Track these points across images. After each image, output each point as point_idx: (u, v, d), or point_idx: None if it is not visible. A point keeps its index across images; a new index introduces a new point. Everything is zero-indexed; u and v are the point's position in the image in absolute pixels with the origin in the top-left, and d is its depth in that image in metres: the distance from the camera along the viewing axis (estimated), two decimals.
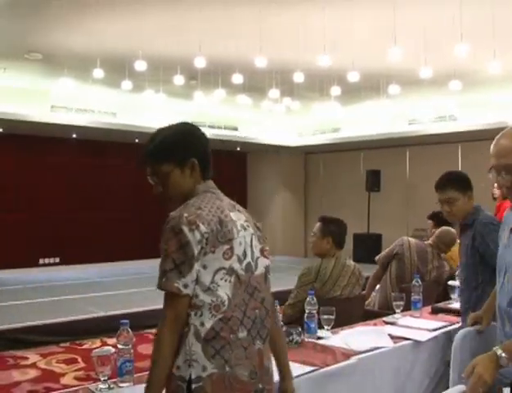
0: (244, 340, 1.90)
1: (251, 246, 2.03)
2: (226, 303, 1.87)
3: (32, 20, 7.44)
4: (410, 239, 5.28)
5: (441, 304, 4.40)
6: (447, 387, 2.64)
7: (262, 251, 2.11)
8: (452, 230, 5.43)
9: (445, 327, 3.69)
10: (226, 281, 1.89)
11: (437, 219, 5.71)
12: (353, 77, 8.36)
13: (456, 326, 3.63)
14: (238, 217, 2.05)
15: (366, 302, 4.94)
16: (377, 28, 7.52)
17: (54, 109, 10.97)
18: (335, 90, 9.39)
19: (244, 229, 2.03)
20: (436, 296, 4.95)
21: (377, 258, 5.34)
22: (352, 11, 7.06)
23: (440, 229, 5.44)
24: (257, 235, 2.10)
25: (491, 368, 2.08)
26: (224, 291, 1.87)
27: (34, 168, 12.49)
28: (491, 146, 2.39)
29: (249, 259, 2.00)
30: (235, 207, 2.11)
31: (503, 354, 2.10)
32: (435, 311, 4.15)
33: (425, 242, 5.36)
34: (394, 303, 3.93)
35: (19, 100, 10.43)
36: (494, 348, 2.15)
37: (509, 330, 2.28)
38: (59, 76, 9.84)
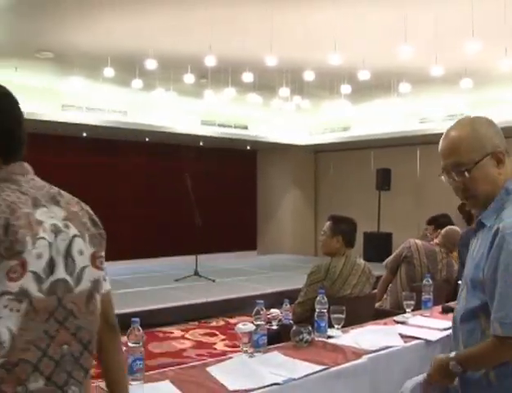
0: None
1: (69, 254, 1.48)
2: (7, 343, 1.33)
3: (43, 19, 7.47)
4: (417, 241, 5.26)
5: (451, 304, 4.36)
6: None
7: (93, 258, 1.56)
8: (458, 229, 5.43)
9: None
10: (11, 310, 1.34)
11: (437, 224, 5.71)
12: (364, 75, 8.34)
13: None
14: (51, 215, 1.51)
15: (377, 304, 4.92)
16: (388, 25, 7.49)
17: (65, 108, 11.01)
18: (345, 88, 9.37)
19: (58, 232, 1.48)
20: (446, 296, 4.92)
21: (385, 263, 5.31)
22: (363, 9, 7.03)
23: (446, 229, 5.42)
24: (88, 235, 1.57)
25: (443, 373, 2.07)
26: (5, 326, 1.33)
27: (44, 167, 12.51)
28: (440, 142, 2.06)
29: (60, 274, 1.44)
30: (53, 199, 1.62)
31: (457, 366, 1.99)
32: (446, 310, 4.12)
33: (431, 242, 5.33)
34: (405, 302, 3.91)
35: (30, 99, 10.45)
36: (449, 356, 2.06)
37: (459, 345, 2.15)
38: (70, 75, 9.87)
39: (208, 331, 7.60)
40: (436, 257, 5.14)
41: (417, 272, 4.97)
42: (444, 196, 12.63)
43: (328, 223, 4.29)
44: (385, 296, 5.21)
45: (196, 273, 10.75)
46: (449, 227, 5.44)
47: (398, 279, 5.08)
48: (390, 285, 5.21)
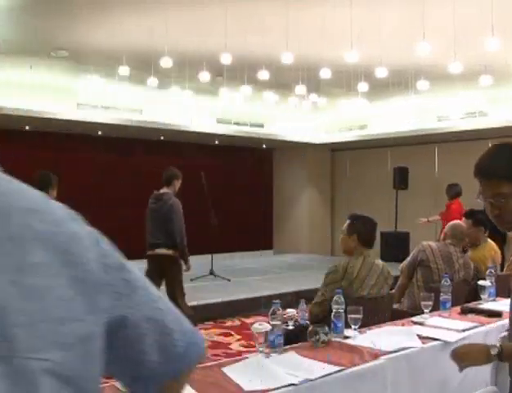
0: None
1: None
2: None
3: (58, 18, 7.48)
4: (430, 243, 5.20)
5: (471, 305, 4.30)
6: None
7: None
8: (460, 223, 5.36)
9: (475, 327, 3.60)
10: None
11: (475, 219, 5.65)
12: (381, 73, 8.26)
13: (488, 327, 3.54)
14: None
15: (395, 306, 4.86)
16: (405, 22, 7.42)
17: (80, 106, 11.04)
18: (362, 86, 9.29)
19: None
20: (465, 296, 4.85)
21: (400, 268, 5.23)
22: (380, 5, 6.97)
23: (450, 223, 5.38)
24: None
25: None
26: None
27: (60, 165, 12.58)
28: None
29: None
30: None
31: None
32: (465, 311, 4.05)
33: (445, 242, 5.25)
34: (423, 303, 3.85)
35: (45, 97, 10.50)
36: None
37: None
38: (85, 73, 9.91)
39: (223, 331, 7.57)
40: (451, 258, 5.06)
41: (434, 274, 4.89)
42: (464, 196, 12.54)
43: (347, 222, 4.28)
44: (402, 299, 5.15)
45: (212, 273, 10.74)
46: (451, 222, 5.42)
47: (415, 283, 5.01)
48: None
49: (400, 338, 3.20)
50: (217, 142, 14.30)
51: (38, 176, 5.88)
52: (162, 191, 7.24)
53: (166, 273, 6.49)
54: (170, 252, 6.60)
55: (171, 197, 7.06)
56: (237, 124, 13.25)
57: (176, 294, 6.21)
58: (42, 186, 5.56)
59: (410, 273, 5.07)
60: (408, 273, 5.09)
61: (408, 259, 5.18)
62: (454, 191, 9.38)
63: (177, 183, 6.98)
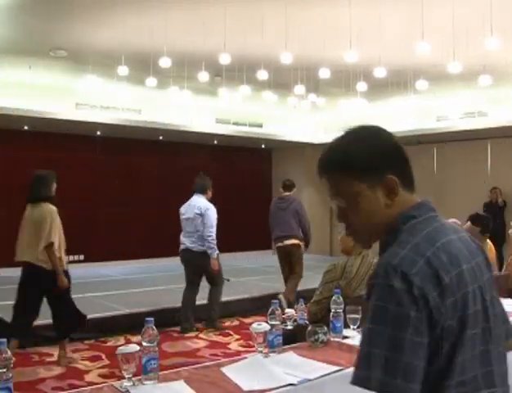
0: None
1: None
2: None
3: (57, 18, 7.48)
4: None
5: None
6: None
7: None
8: (456, 221, 5.28)
9: None
10: None
11: (482, 225, 5.58)
12: (380, 73, 8.25)
13: None
14: None
15: None
16: (404, 22, 7.41)
17: (79, 106, 11.04)
18: (361, 86, 9.27)
19: None
20: None
21: None
22: (379, 5, 6.96)
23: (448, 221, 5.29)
24: None
25: None
26: None
27: (59, 165, 12.56)
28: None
29: None
30: None
31: None
32: None
33: None
34: None
35: (44, 97, 10.50)
36: None
37: None
38: (84, 73, 9.90)
39: (222, 330, 7.56)
40: None
41: None
42: (463, 196, 12.49)
43: None
44: None
45: None
46: (448, 220, 5.33)
47: None
48: None
49: None
50: (216, 142, 14.29)
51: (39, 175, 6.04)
52: (285, 194, 8.77)
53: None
54: (297, 241, 8.52)
55: (296, 198, 8.94)
56: (236, 124, 13.25)
57: (301, 273, 8.48)
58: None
59: None
60: None
61: None
62: None
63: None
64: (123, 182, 13.27)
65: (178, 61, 8.65)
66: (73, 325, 6.18)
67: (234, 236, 14.00)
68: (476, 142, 12.79)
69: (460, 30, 7.25)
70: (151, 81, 9.30)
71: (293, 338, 3.33)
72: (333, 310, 3.21)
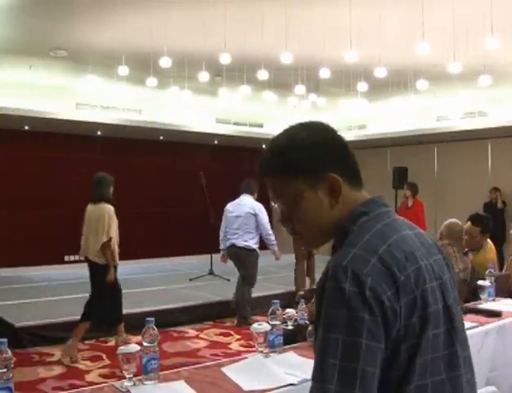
0: None
1: None
2: None
3: (56, 18, 7.47)
4: None
5: (470, 305, 4.29)
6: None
7: None
8: (457, 221, 5.25)
9: (475, 327, 3.59)
10: None
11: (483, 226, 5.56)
12: (380, 73, 8.24)
13: (487, 327, 3.53)
14: None
15: None
16: (404, 22, 7.41)
17: (79, 106, 11.04)
18: (362, 86, 9.27)
19: None
20: (465, 297, 4.83)
21: None
22: (379, 5, 6.96)
23: (446, 222, 5.25)
24: None
25: None
26: None
27: (59, 165, 12.57)
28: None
29: None
30: None
31: None
32: (464, 311, 4.04)
33: (442, 242, 5.15)
34: None
35: (44, 97, 10.50)
36: None
37: None
38: (84, 73, 9.90)
39: (222, 330, 7.56)
40: (450, 259, 5.00)
41: None
42: (463, 196, 12.47)
43: None
44: None
45: (211, 273, 10.73)
46: (448, 220, 5.29)
47: None
48: None
49: None
50: (216, 142, 14.28)
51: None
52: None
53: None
54: None
55: None
56: (236, 124, 13.25)
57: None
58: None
59: None
60: None
61: None
62: None
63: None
64: (124, 182, 13.26)
65: (178, 61, 8.65)
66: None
67: None
68: (476, 142, 12.79)
69: (461, 30, 7.24)
70: (151, 81, 9.29)
71: (293, 338, 3.33)
72: None
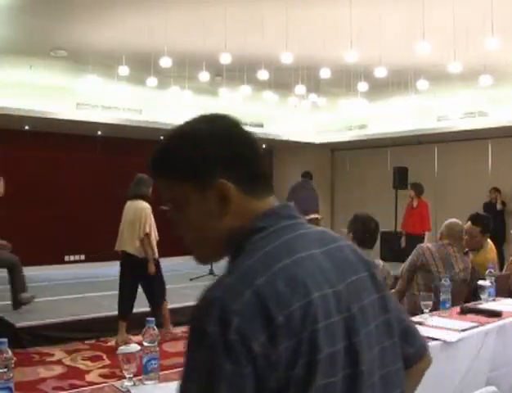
0: None
1: None
2: None
3: (57, 18, 7.47)
4: (428, 245, 5.09)
5: (470, 305, 4.29)
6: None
7: None
8: (457, 221, 5.23)
9: (475, 327, 3.59)
10: None
11: (483, 225, 5.56)
12: (381, 72, 8.24)
13: (488, 327, 3.54)
14: None
15: None
16: (405, 22, 7.40)
17: (79, 106, 11.03)
18: (362, 86, 9.26)
19: None
20: (465, 297, 4.83)
21: (400, 272, 5.10)
22: (379, 5, 6.95)
23: (447, 222, 5.23)
24: None
25: None
26: None
27: (60, 165, 12.57)
28: None
29: None
30: None
31: None
32: (464, 311, 4.05)
33: (442, 242, 5.13)
34: (422, 303, 3.84)
35: (44, 97, 10.50)
36: None
37: None
38: (84, 73, 9.90)
39: None
40: (451, 260, 4.98)
41: (435, 278, 4.78)
42: (463, 196, 12.47)
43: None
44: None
45: (211, 273, 10.72)
46: (449, 220, 5.28)
47: (415, 286, 4.93)
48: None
49: None
50: None
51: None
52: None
53: None
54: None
55: None
56: None
57: None
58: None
59: (410, 277, 4.97)
60: (408, 278, 4.97)
61: (407, 263, 5.04)
62: None
63: None
64: (124, 183, 13.24)
65: (179, 61, 8.65)
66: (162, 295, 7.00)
67: None
68: (476, 142, 12.78)
69: (461, 30, 7.24)
70: (152, 81, 9.29)
71: None
72: None
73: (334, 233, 1.31)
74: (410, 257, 5.04)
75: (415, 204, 10.78)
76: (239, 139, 1.26)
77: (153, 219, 6.93)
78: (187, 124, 1.28)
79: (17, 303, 7.50)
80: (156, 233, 6.97)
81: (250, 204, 1.21)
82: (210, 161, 1.20)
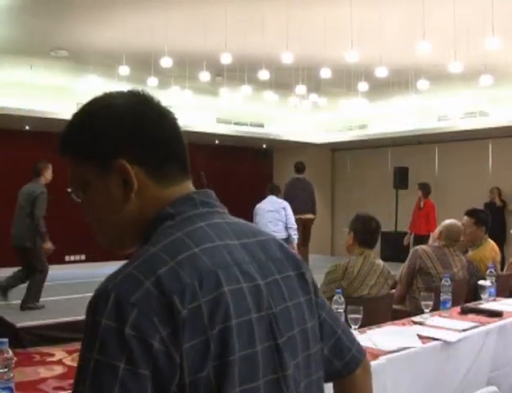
0: None
1: None
2: None
3: (57, 18, 7.48)
4: (424, 247, 5.05)
5: (471, 305, 4.29)
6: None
7: None
8: (456, 222, 5.21)
9: (475, 327, 3.59)
10: None
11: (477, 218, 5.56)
12: (381, 72, 8.25)
13: (488, 327, 3.53)
14: None
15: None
16: (405, 22, 7.41)
17: (80, 106, 11.02)
18: (363, 86, 9.27)
19: None
20: (465, 296, 4.82)
21: (397, 278, 5.04)
22: (380, 5, 6.96)
23: (445, 223, 5.20)
24: None
25: None
26: None
27: (60, 165, 12.54)
28: None
29: None
30: None
31: None
32: (465, 311, 4.04)
33: (439, 243, 5.10)
34: (423, 303, 3.83)
35: (45, 97, 10.49)
36: None
37: None
38: (84, 73, 9.90)
39: None
40: (448, 260, 4.96)
41: (436, 280, 4.75)
42: (464, 196, 12.47)
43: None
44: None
45: None
46: (448, 220, 5.26)
47: (416, 290, 4.89)
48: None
49: (400, 338, 3.18)
50: (217, 142, 14.28)
51: None
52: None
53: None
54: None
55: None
56: (237, 123, 13.24)
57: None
58: None
59: (409, 281, 4.93)
60: (407, 282, 4.91)
61: (405, 267, 4.97)
62: None
63: None
64: None
65: (179, 61, 8.65)
66: None
67: None
68: (477, 142, 12.78)
69: (461, 30, 7.24)
70: (152, 81, 9.30)
71: None
72: (334, 310, 3.20)
73: (260, 228, 1.20)
74: (407, 261, 4.99)
75: (422, 204, 10.78)
76: (149, 119, 1.15)
77: None
78: (97, 99, 1.17)
79: (26, 307, 7.64)
80: None
81: (161, 189, 1.09)
82: (113, 141, 1.09)
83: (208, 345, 0.91)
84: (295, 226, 9.12)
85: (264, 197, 9.17)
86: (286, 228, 9.01)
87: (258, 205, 9.25)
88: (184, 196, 1.10)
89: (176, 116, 1.23)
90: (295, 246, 9.10)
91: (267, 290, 1.03)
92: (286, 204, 9.13)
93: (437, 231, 5.24)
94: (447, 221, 5.25)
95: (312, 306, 1.14)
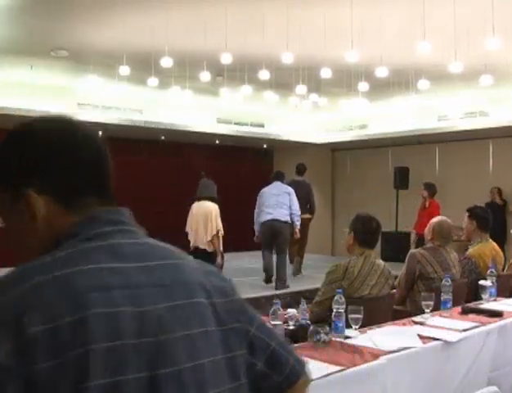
0: None
1: None
2: None
3: (57, 18, 7.48)
4: (420, 251, 4.98)
5: (472, 305, 4.29)
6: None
7: None
8: (446, 219, 5.19)
9: (476, 327, 3.59)
10: None
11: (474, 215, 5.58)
12: (381, 72, 8.24)
13: (489, 327, 3.53)
14: None
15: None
16: (405, 21, 7.41)
17: (80, 106, 11.03)
18: (363, 86, 9.27)
19: None
20: (466, 296, 4.81)
21: (397, 283, 4.99)
22: (380, 5, 6.96)
23: (436, 220, 5.17)
24: None
25: None
26: None
27: None
28: None
29: None
30: None
31: None
32: (466, 311, 4.04)
33: (433, 244, 5.05)
34: (423, 303, 3.84)
35: (45, 97, 10.49)
36: None
37: None
38: (85, 73, 9.90)
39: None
40: (446, 260, 4.94)
41: (436, 281, 4.71)
42: (464, 196, 12.48)
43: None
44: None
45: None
46: (435, 218, 5.23)
47: (417, 294, 4.83)
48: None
49: (401, 338, 3.19)
50: (217, 142, 14.28)
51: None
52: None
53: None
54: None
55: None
56: (238, 123, 13.24)
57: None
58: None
59: (409, 286, 4.87)
60: (406, 287, 4.87)
61: (403, 273, 4.91)
62: None
63: None
64: (124, 183, 13.25)
65: (179, 61, 8.65)
66: None
67: (234, 235, 13.99)
68: (477, 142, 12.78)
69: (462, 30, 7.24)
70: (153, 81, 9.30)
71: (295, 338, 3.33)
72: (335, 310, 3.21)
73: (173, 250, 1.18)
74: (405, 266, 4.93)
75: (427, 204, 10.77)
76: (65, 147, 1.11)
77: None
78: (18, 126, 1.15)
79: None
80: (222, 230, 7.76)
81: (72, 215, 1.07)
82: (24, 170, 1.07)
83: (64, 368, 0.87)
84: (299, 212, 9.35)
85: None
86: (290, 214, 9.23)
87: (262, 190, 9.53)
88: (92, 216, 1.08)
89: (101, 140, 1.20)
90: (297, 231, 9.46)
91: (166, 316, 0.99)
92: (291, 190, 9.38)
93: (427, 231, 5.18)
94: (435, 219, 5.21)
95: (227, 339, 1.09)
